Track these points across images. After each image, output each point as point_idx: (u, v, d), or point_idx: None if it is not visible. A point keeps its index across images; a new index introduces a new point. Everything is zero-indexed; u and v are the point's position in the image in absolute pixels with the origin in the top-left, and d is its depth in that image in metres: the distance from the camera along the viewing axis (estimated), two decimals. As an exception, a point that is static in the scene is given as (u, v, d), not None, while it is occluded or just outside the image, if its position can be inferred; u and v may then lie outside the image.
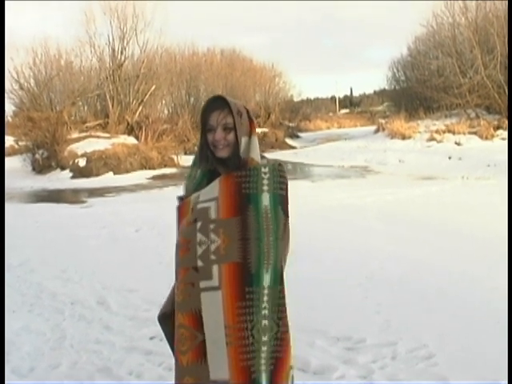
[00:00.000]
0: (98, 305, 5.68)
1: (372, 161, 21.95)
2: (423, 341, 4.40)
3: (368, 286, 5.83)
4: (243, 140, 2.29)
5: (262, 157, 2.37)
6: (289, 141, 37.44)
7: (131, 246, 8.10)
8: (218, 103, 2.33)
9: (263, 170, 2.29)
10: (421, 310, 5.10)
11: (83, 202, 14.62)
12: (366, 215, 9.76)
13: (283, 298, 2.30)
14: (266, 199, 2.25)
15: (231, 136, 2.30)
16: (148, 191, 15.96)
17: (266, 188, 2.26)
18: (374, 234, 8.21)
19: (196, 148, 2.44)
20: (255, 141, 2.34)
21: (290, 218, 2.35)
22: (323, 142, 34.85)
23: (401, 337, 4.49)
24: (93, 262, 7.33)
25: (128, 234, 9.06)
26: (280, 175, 2.33)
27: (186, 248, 2.27)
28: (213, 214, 2.25)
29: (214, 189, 2.30)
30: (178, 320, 2.31)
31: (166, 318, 2.54)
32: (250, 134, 2.33)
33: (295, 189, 12.07)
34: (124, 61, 29.51)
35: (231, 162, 2.30)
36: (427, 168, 18.88)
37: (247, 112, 2.36)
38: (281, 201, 2.31)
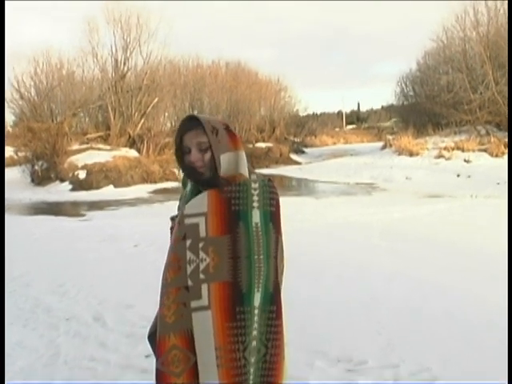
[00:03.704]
0: (94, 321, 5.63)
1: (378, 178, 21.77)
2: (426, 364, 4.28)
3: (371, 306, 5.70)
4: (222, 158, 2.23)
5: (252, 172, 2.31)
6: (294, 156, 37.33)
7: (130, 261, 8.03)
8: (191, 123, 2.29)
9: (253, 185, 2.25)
10: (425, 331, 4.97)
11: (82, 215, 14.50)
12: (371, 233, 9.64)
13: (276, 318, 2.25)
14: (256, 216, 2.21)
15: (208, 156, 2.26)
16: (149, 205, 15.86)
17: (256, 204, 2.22)
18: (378, 252, 8.09)
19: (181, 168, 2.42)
20: (242, 155, 2.27)
21: (282, 235, 2.31)
22: (329, 157, 34.76)
23: (403, 359, 4.39)
24: (90, 277, 7.26)
25: (127, 248, 8.98)
26: (270, 191, 2.28)
27: (177, 267, 2.22)
28: (202, 232, 2.21)
29: (202, 203, 2.24)
30: (171, 341, 2.24)
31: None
32: (235, 148, 2.27)
33: (299, 205, 12.48)
34: (127, 72, 29.18)
35: (212, 183, 2.25)
36: (435, 186, 18.70)
37: (226, 127, 2.29)
38: (272, 218, 2.26)
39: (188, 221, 2.26)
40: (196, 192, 2.38)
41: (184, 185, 2.50)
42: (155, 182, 22.10)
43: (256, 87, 39.84)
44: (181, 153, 2.35)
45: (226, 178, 2.25)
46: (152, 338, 2.49)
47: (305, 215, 11.54)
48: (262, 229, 2.23)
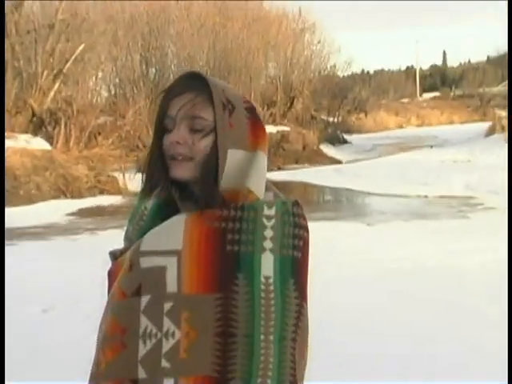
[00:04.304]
0: None
1: (480, 187, 18.23)
2: None
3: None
4: (230, 155, 1.58)
5: (269, 189, 1.70)
6: (327, 149, 30.86)
7: (35, 338, 6.77)
8: (189, 83, 1.62)
9: (266, 211, 1.61)
10: None
11: None
12: (466, 287, 8.16)
13: None
14: (267, 265, 1.60)
15: (205, 143, 1.59)
16: (68, 238, 13.27)
17: (268, 245, 1.60)
18: (481, 320, 6.72)
19: (146, 161, 1.70)
20: (260, 160, 1.63)
21: (307, 303, 1.69)
22: (390, 151, 30.44)
23: None
24: None
25: (30, 316, 7.64)
26: (295, 223, 1.63)
27: (119, 343, 1.63)
28: (171, 284, 1.60)
29: (173, 233, 1.62)
30: None
31: None
32: (254, 146, 1.63)
33: (335, 236, 12.03)
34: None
35: (200, 194, 1.60)
36: None
37: (249, 107, 1.63)
38: (295, 270, 1.63)
39: (146, 262, 1.63)
40: (163, 213, 1.72)
41: (143, 193, 1.76)
42: (80, 196, 18.43)
43: (260, 26, 31.84)
44: (158, 132, 1.66)
45: (223, 193, 1.62)
46: None
47: (345, 254, 9.88)
48: (276, 288, 1.60)
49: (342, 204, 18.71)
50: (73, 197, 18.27)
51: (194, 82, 1.63)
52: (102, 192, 18.96)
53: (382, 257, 10.26)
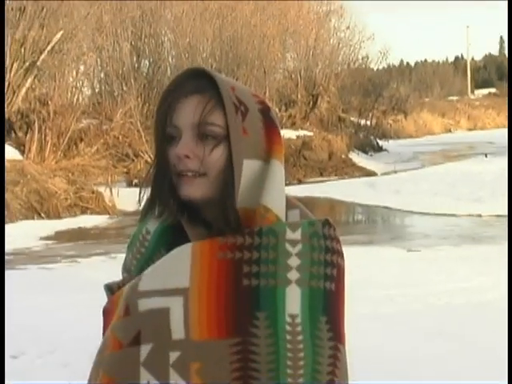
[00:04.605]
0: None
1: None
2: None
3: None
4: (247, 166, 1.53)
5: (292, 206, 1.63)
6: (358, 157, 28.83)
7: None
8: (193, 83, 1.56)
9: (290, 234, 1.52)
10: None
11: None
12: None
13: None
14: (293, 301, 1.51)
15: (217, 154, 1.53)
16: (44, 267, 12.62)
17: (294, 276, 1.50)
18: None
19: (150, 177, 1.65)
20: (277, 171, 1.56)
21: (345, 345, 1.60)
22: (435, 160, 29.18)
23: None
24: None
25: None
26: (327, 247, 1.54)
27: None
28: (177, 329, 1.51)
29: (178, 267, 1.55)
30: None
31: None
32: (269, 154, 1.56)
33: (368, 264, 11.73)
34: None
35: (217, 216, 1.54)
36: None
37: (264, 108, 1.57)
38: (327, 305, 1.54)
39: (146, 304, 1.55)
40: (169, 238, 1.66)
41: (145, 214, 1.70)
42: (58, 216, 17.80)
43: (276, 9, 28.92)
44: (161, 144, 1.62)
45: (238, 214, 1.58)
46: None
47: (381, 287, 9.41)
48: (304, 329, 1.51)
49: (377, 225, 18.02)
50: (49, 217, 17.43)
51: (199, 82, 1.56)
52: (84, 211, 18.04)
53: (427, 290, 9.61)
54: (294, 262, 1.48)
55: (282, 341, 1.47)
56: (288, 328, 1.47)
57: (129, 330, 1.51)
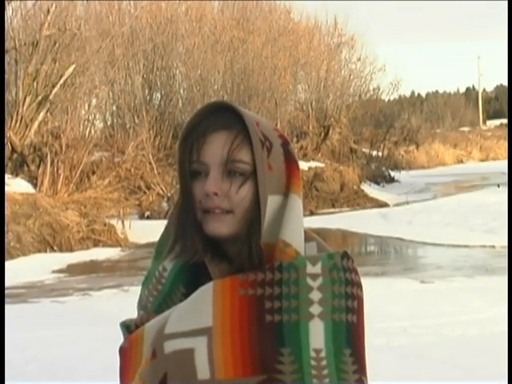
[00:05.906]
0: None
1: None
2: None
3: None
4: (270, 201, 1.54)
5: (310, 238, 1.61)
6: (370, 188, 28.98)
7: None
8: (218, 118, 1.55)
9: (310, 268, 1.52)
10: None
11: None
12: None
13: None
14: (317, 335, 1.50)
15: (244, 190, 1.53)
16: (56, 300, 12.43)
17: (317, 310, 1.50)
18: None
19: (170, 211, 1.85)
20: (295, 204, 1.56)
21: (367, 378, 1.59)
22: (447, 191, 29.43)
23: None
24: None
25: None
26: (347, 280, 1.55)
27: None
28: (202, 368, 1.51)
29: (201, 307, 1.55)
30: None
31: None
32: (289, 189, 1.57)
33: (382, 296, 11.40)
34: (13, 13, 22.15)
35: (240, 253, 1.54)
36: None
37: (284, 142, 1.58)
38: (350, 338, 1.54)
39: (172, 345, 1.54)
40: (186, 275, 1.66)
41: (159, 252, 1.69)
42: (70, 249, 17.65)
43: (287, 41, 28.94)
44: (187, 179, 1.60)
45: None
46: None
47: (394, 319, 9.27)
48: (330, 363, 1.50)
49: (390, 256, 17.91)
50: (61, 250, 17.31)
51: (225, 117, 1.55)
52: (96, 244, 17.91)
53: (440, 322, 9.48)
54: (315, 295, 1.48)
55: (307, 376, 1.47)
56: (313, 363, 1.47)
57: (156, 372, 1.50)
